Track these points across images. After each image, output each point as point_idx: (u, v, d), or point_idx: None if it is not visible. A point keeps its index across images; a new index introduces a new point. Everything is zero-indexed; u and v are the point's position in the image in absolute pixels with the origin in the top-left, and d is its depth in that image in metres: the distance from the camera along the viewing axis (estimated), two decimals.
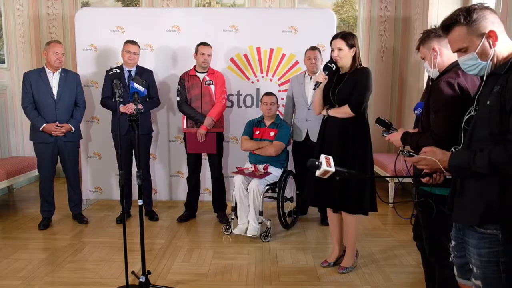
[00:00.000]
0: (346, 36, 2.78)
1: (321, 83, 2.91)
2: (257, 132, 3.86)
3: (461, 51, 1.51)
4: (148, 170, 4.16)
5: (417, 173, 1.94)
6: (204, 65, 3.89)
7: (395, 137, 2.15)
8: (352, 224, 2.98)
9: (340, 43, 2.77)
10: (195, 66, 3.96)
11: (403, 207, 4.54)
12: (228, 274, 2.98)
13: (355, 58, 2.81)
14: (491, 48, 1.45)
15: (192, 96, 3.93)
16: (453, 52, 1.58)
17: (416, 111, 2.63)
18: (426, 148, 1.64)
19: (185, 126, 4.02)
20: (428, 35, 2.04)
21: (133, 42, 3.89)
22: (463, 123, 1.58)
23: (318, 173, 1.79)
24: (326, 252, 3.34)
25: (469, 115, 1.56)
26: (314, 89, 3.11)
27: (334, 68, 2.90)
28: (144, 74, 3.92)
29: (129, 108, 3.72)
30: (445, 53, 1.99)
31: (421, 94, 4.75)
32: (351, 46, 2.77)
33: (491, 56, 1.45)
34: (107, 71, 3.86)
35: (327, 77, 2.91)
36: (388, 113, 5.54)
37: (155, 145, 4.49)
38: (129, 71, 3.91)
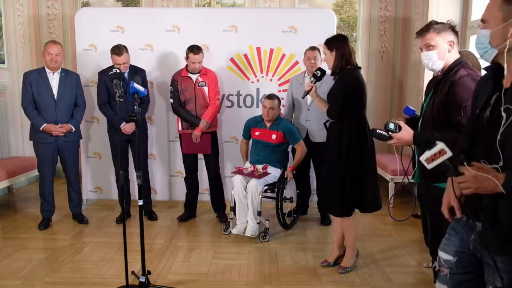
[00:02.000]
0: (327, 41, 2.91)
1: (309, 91, 3.06)
2: (257, 133, 3.83)
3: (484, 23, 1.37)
4: (146, 170, 4.16)
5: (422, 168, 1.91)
6: (195, 71, 3.88)
7: (404, 137, 2.08)
8: (348, 225, 2.98)
9: (323, 49, 2.93)
10: (187, 66, 3.94)
11: (403, 207, 4.55)
12: (228, 274, 2.98)
13: (338, 59, 2.84)
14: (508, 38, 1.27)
15: (186, 98, 3.91)
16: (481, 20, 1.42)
17: (410, 115, 2.59)
18: (477, 165, 1.32)
19: (180, 128, 4.03)
20: (444, 26, 2.06)
21: (118, 52, 3.74)
22: (497, 141, 1.31)
23: (426, 155, 1.48)
24: (326, 252, 3.34)
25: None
26: (303, 98, 3.35)
27: (319, 75, 3.07)
28: (138, 74, 3.90)
29: (126, 130, 3.82)
30: (454, 51, 2.08)
31: (421, 94, 4.76)
32: (331, 49, 2.86)
33: (504, 46, 1.29)
34: (100, 73, 3.89)
35: (314, 85, 3.06)
36: (388, 113, 5.54)
37: (155, 145, 4.50)
38: (123, 73, 3.90)
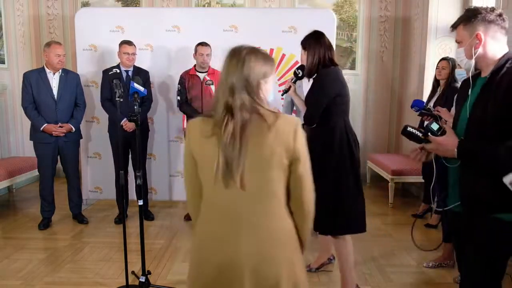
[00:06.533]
0: (302, 40, 2.59)
1: (288, 90, 2.71)
2: None
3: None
4: (145, 169, 4.15)
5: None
6: (203, 65, 3.90)
7: (446, 144, 1.61)
8: (338, 246, 2.56)
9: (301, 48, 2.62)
10: (195, 66, 3.97)
11: (403, 207, 4.55)
12: None
13: (310, 59, 2.50)
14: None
15: (193, 96, 3.94)
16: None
17: (414, 109, 2.64)
18: None
19: (185, 126, 4.03)
20: (474, 16, 1.63)
21: (129, 43, 3.86)
22: None
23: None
24: None
25: None
26: (282, 95, 2.94)
27: (300, 75, 2.73)
28: (141, 74, 3.92)
29: (128, 127, 3.82)
30: (490, 45, 1.62)
31: (420, 94, 4.76)
32: (304, 48, 2.54)
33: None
34: (104, 71, 3.90)
35: (293, 84, 2.74)
36: (388, 114, 5.54)
37: (155, 145, 4.50)
38: (127, 71, 3.91)
